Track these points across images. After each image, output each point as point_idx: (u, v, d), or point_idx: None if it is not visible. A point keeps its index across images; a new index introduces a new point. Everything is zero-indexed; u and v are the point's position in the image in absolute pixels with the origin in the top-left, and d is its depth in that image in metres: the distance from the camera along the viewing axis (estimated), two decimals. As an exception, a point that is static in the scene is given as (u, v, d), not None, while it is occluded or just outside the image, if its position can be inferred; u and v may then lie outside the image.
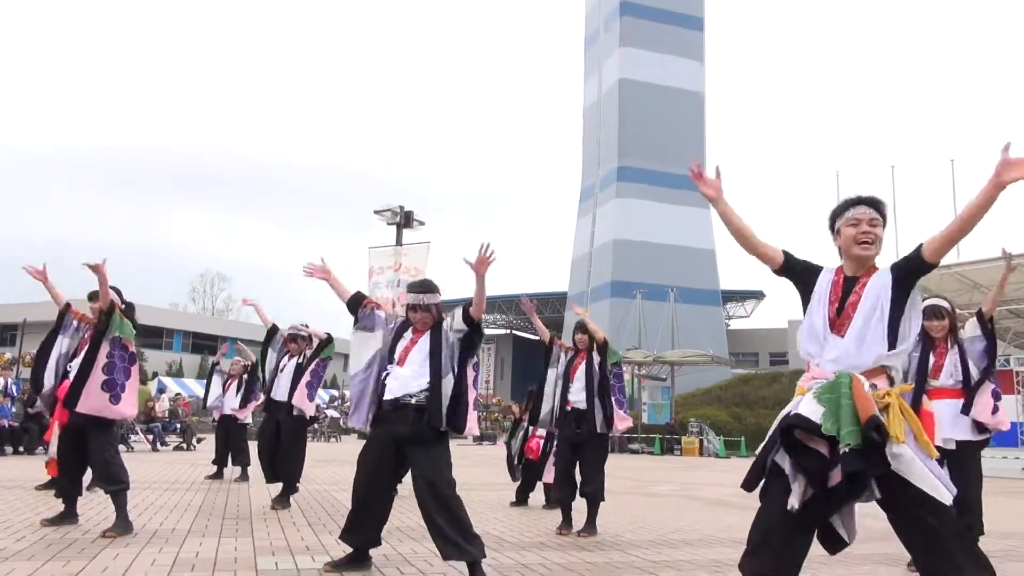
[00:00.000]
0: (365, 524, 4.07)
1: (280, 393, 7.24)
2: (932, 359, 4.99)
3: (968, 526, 4.49)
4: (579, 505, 6.13)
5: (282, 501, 6.95)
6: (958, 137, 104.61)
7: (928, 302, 5.01)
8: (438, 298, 4.28)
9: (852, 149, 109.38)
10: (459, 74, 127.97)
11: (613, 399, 6.06)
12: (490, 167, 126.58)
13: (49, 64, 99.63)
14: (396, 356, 4.14)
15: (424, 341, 4.13)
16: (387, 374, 4.10)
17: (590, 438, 6.02)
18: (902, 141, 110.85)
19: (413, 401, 3.99)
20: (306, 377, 7.16)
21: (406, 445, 3.99)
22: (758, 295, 64.45)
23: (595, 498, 5.97)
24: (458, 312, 4.18)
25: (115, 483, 5.02)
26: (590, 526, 5.90)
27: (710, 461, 22.40)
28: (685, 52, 61.01)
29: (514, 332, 76.60)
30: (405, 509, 7.06)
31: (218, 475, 9.83)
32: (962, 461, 4.76)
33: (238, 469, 9.87)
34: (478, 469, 14.23)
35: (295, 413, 7.15)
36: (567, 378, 6.17)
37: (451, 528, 3.81)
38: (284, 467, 7.12)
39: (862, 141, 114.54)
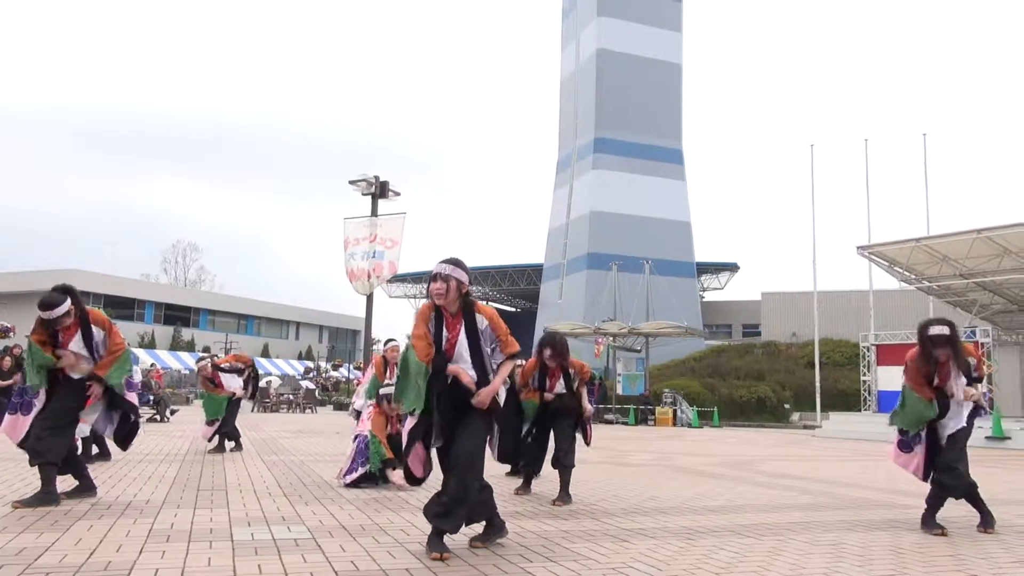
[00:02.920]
0: None
1: None
2: None
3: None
4: (551, 475, 6.27)
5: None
6: (931, 111, 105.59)
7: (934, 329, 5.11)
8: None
9: (827, 122, 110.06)
10: (436, 44, 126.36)
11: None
12: (467, 137, 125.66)
13: (12, 16, 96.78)
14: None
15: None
16: None
17: (561, 415, 6.43)
18: (876, 115, 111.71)
19: None
20: None
21: None
22: (732, 267, 65.01)
23: (567, 466, 6.22)
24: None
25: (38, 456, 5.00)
26: (565, 495, 6.03)
27: (683, 431, 22.72)
28: (663, 23, 60.65)
29: (490, 304, 76.72)
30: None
31: (220, 448, 9.75)
32: None
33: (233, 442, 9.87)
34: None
35: None
36: (544, 388, 6.44)
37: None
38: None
39: (837, 114, 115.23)
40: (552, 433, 6.53)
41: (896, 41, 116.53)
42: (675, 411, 26.97)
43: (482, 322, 4.13)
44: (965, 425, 5.10)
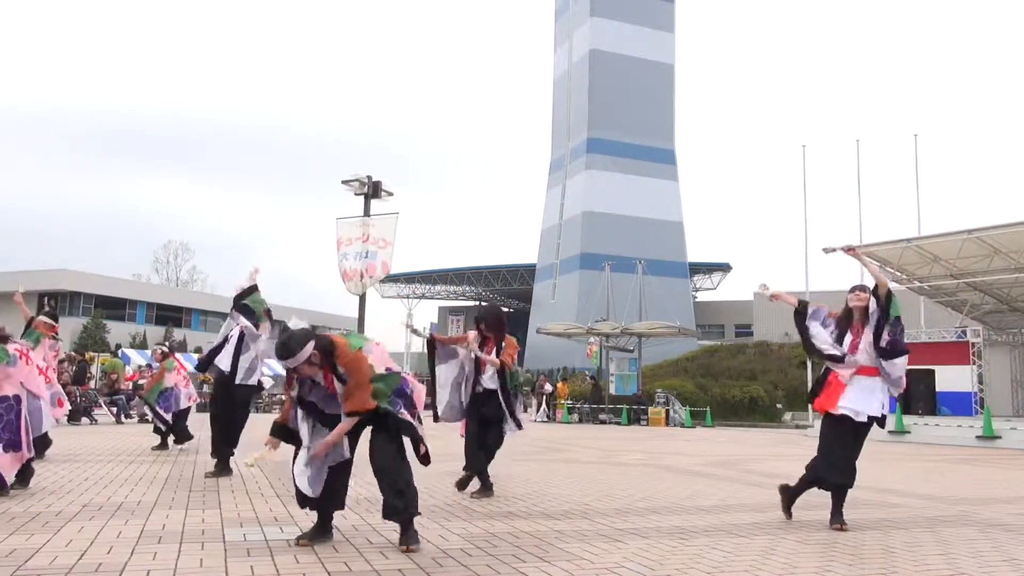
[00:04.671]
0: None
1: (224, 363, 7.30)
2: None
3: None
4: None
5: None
6: (922, 112, 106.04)
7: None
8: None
9: (818, 123, 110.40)
10: (430, 44, 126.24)
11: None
12: (459, 138, 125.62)
13: (5, 14, 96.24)
14: None
15: None
16: None
17: (497, 416, 6.46)
18: (867, 116, 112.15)
19: None
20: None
21: None
22: (725, 267, 65.19)
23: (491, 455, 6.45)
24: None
25: None
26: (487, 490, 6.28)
27: (676, 431, 22.76)
28: (655, 23, 60.79)
29: (483, 304, 76.67)
30: (375, 481, 7.08)
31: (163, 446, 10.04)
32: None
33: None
34: (443, 441, 14.29)
35: (238, 382, 7.25)
36: (477, 369, 6.44)
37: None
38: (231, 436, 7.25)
39: (828, 115, 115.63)
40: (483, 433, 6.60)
41: (887, 42, 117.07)
42: (668, 411, 26.98)
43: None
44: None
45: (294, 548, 4.00)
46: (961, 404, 19.66)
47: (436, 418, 6.49)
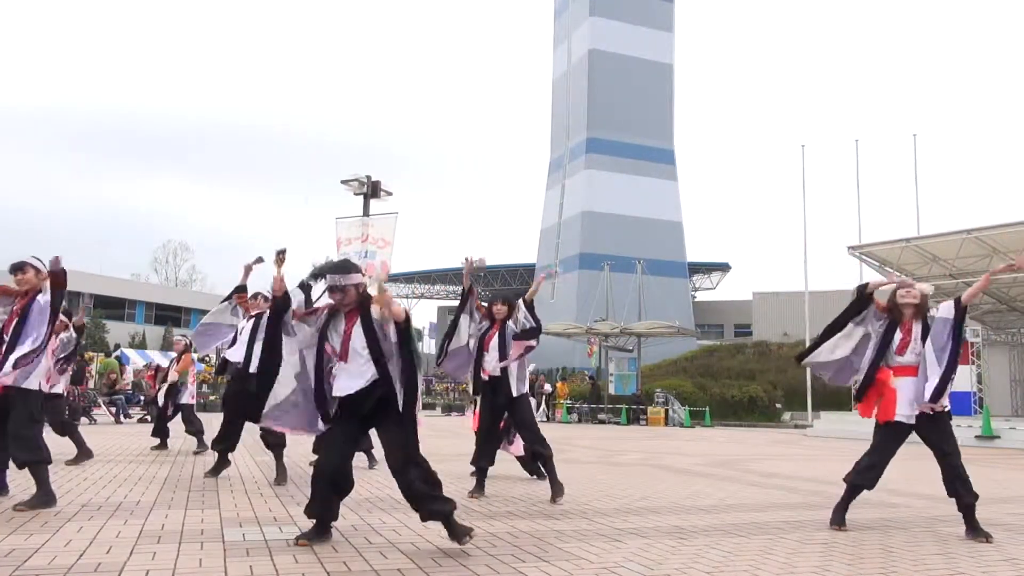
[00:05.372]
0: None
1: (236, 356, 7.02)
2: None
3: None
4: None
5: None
6: (921, 112, 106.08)
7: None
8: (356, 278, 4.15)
9: (817, 123, 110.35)
10: (429, 44, 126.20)
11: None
12: (459, 137, 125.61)
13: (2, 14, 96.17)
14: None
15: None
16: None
17: (509, 402, 6.19)
18: (866, 116, 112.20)
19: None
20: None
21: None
22: (724, 267, 65.22)
23: (543, 455, 6.15)
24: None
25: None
26: (556, 486, 6.07)
27: (675, 431, 22.76)
28: (655, 23, 60.80)
29: (482, 304, 76.61)
30: (375, 481, 7.08)
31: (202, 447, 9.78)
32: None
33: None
34: (446, 440, 14.30)
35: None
36: (481, 348, 6.20)
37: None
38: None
39: (827, 115, 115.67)
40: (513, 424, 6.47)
41: (886, 42, 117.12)
42: (667, 411, 26.99)
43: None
44: None
45: (293, 548, 4.00)
46: (960, 404, 19.66)
47: (439, 361, 6.31)
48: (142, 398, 19.55)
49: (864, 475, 5.13)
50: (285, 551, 3.92)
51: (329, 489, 4.04)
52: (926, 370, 4.91)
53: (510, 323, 6.21)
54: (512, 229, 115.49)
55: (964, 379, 19.83)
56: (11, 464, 5.13)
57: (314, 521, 4.16)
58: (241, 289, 7.38)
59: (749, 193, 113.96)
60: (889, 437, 5.08)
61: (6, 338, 4.92)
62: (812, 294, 29.32)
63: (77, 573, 3.35)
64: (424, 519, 4.10)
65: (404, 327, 4.11)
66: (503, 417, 6.40)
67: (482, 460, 6.28)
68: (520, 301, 6.30)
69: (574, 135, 59.96)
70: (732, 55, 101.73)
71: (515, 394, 6.13)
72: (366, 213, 17.04)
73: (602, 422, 26.66)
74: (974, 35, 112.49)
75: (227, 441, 7.05)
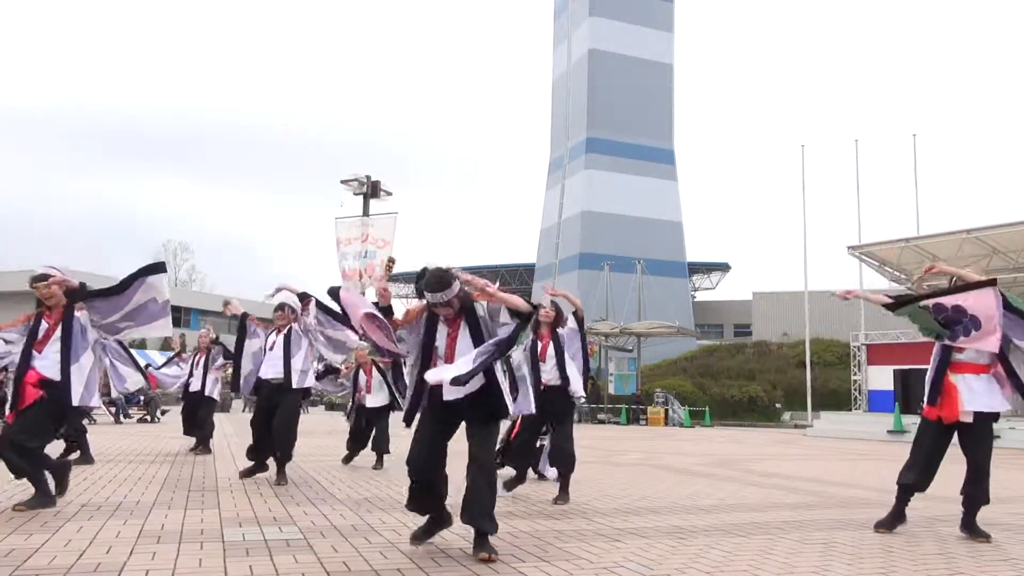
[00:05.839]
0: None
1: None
2: None
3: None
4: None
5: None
6: (920, 112, 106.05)
7: None
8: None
9: (817, 123, 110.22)
10: (429, 44, 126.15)
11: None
12: (459, 137, 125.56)
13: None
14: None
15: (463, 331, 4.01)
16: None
17: (564, 410, 6.23)
18: (866, 115, 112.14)
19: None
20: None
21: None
22: (724, 267, 65.20)
23: (567, 467, 6.16)
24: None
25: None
26: (565, 494, 6.07)
27: (675, 431, 22.77)
28: (654, 23, 60.75)
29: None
30: (375, 481, 7.09)
31: (205, 449, 9.62)
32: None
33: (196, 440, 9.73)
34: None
35: (295, 387, 6.71)
36: (536, 359, 6.12)
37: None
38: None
39: (827, 115, 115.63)
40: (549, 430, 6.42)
41: (886, 42, 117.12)
42: (667, 411, 27.01)
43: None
44: None
45: (293, 548, 4.00)
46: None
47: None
48: (141, 398, 19.55)
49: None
50: (285, 551, 3.92)
51: (420, 489, 4.02)
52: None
53: (561, 331, 6.18)
54: (512, 229, 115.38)
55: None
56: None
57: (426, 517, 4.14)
58: (245, 316, 7.02)
59: (749, 193, 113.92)
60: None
61: (38, 354, 4.92)
62: (812, 294, 29.34)
63: (77, 573, 3.35)
64: (465, 521, 3.96)
65: (527, 314, 3.95)
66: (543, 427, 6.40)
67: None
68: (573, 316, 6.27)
69: (574, 135, 59.93)
70: (732, 55, 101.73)
71: (576, 397, 6.22)
72: (366, 213, 17.07)
73: (602, 422, 26.66)
74: (974, 35, 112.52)
75: (261, 454, 6.86)
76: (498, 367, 4.01)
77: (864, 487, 7.83)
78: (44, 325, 4.99)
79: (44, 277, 4.98)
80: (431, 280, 3.89)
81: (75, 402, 4.91)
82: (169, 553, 3.78)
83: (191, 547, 3.94)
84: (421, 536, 4.12)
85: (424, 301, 4.01)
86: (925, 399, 5.00)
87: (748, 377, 33.65)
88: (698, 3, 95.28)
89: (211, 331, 10.59)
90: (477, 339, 3.97)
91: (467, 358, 3.82)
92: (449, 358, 3.98)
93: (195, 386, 9.81)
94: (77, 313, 5.03)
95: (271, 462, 6.85)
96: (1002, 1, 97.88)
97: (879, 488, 7.65)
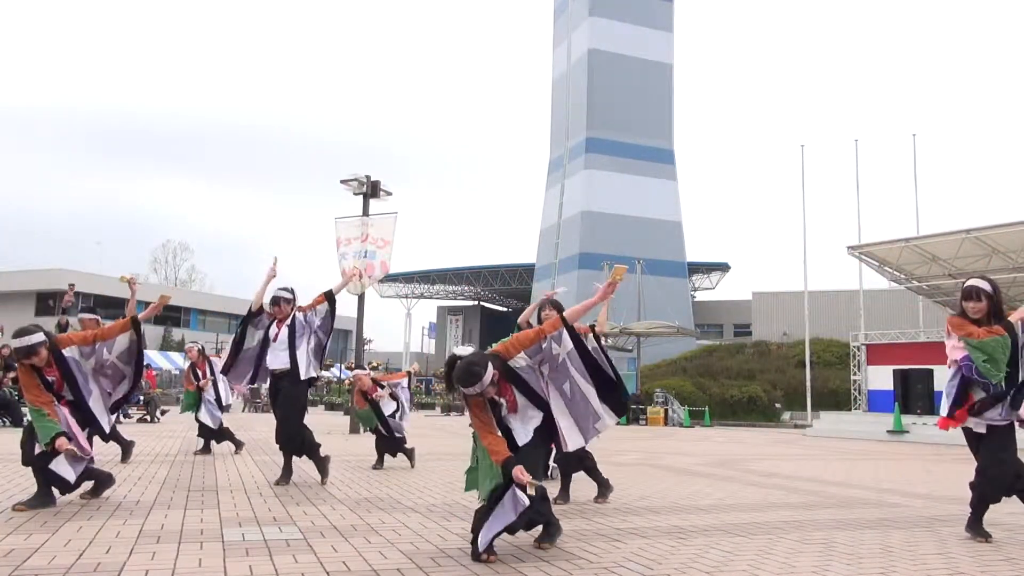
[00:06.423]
0: None
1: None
2: None
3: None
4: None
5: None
6: (920, 112, 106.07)
7: (969, 282, 4.68)
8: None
9: (817, 123, 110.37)
10: (429, 44, 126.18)
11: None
12: (459, 137, 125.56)
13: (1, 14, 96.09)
14: None
15: None
16: None
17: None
18: (866, 115, 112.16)
19: None
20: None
21: None
22: (723, 267, 65.19)
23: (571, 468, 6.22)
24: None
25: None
26: (565, 494, 6.10)
27: (675, 431, 22.77)
28: (654, 22, 60.73)
29: (482, 304, 76.66)
30: (375, 481, 7.09)
31: (205, 450, 9.61)
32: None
33: (226, 443, 9.81)
34: (445, 439, 14.30)
35: (303, 377, 6.66)
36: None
37: None
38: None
39: (827, 115, 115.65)
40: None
41: (886, 42, 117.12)
42: (666, 411, 27.02)
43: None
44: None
45: (293, 548, 4.00)
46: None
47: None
48: (141, 398, 19.54)
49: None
50: (285, 551, 3.92)
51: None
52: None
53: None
54: (512, 229, 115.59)
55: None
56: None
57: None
58: (260, 310, 6.90)
59: (748, 193, 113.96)
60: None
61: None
62: (812, 294, 29.35)
63: (77, 573, 3.35)
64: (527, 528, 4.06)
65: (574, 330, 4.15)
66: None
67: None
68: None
69: (573, 135, 59.90)
70: (732, 55, 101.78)
71: None
72: (366, 213, 17.05)
73: (602, 422, 26.64)
74: (974, 35, 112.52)
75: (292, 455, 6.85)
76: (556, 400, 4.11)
77: (864, 487, 7.83)
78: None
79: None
80: (461, 375, 3.81)
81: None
82: (169, 553, 3.78)
83: (191, 547, 3.94)
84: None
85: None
86: (945, 411, 4.76)
87: (748, 377, 33.63)
88: (698, 3, 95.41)
89: (196, 344, 10.74)
90: (528, 393, 4.04)
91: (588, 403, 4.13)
92: (512, 408, 4.05)
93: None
94: (67, 352, 5.11)
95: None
96: (1002, 1, 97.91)
97: (878, 488, 7.66)
